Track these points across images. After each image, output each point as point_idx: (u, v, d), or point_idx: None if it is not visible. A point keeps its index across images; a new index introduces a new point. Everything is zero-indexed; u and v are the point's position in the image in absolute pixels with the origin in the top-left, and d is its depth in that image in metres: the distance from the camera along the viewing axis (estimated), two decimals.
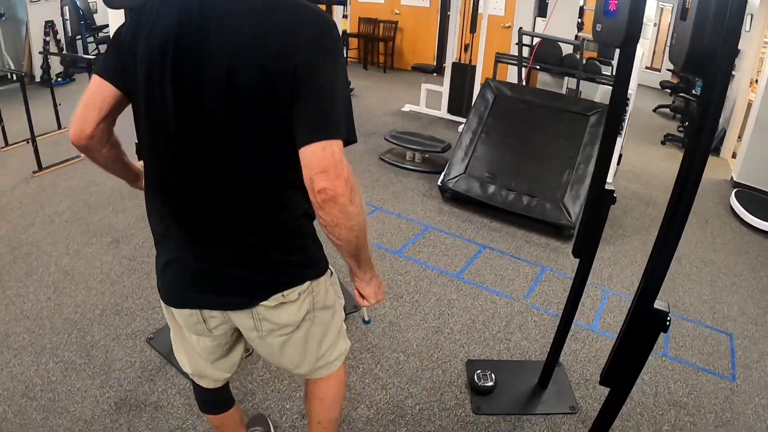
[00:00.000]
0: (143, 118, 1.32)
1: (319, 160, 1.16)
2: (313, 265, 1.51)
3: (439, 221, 4.42)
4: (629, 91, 5.16)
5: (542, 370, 2.76)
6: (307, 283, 1.49)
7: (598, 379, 1.68)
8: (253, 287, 1.44)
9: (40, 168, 4.75)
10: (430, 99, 7.25)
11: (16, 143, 5.28)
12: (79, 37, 8.92)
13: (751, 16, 6.93)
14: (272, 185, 1.33)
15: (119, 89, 1.32)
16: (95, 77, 1.33)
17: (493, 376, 2.72)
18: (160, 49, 1.22)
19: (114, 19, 3.91)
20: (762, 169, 5.67)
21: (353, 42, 10.72)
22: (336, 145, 1.17)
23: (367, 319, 1.93)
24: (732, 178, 5.99)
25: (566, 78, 6.90)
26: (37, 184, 4.50)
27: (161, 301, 1.59)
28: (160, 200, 1.42)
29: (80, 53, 8.91)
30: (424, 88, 7.23)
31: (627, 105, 5.22)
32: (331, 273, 1.61)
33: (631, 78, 4.65)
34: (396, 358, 2.87)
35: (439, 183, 4.70)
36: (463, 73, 6.91)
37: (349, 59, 10.71)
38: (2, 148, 5.26)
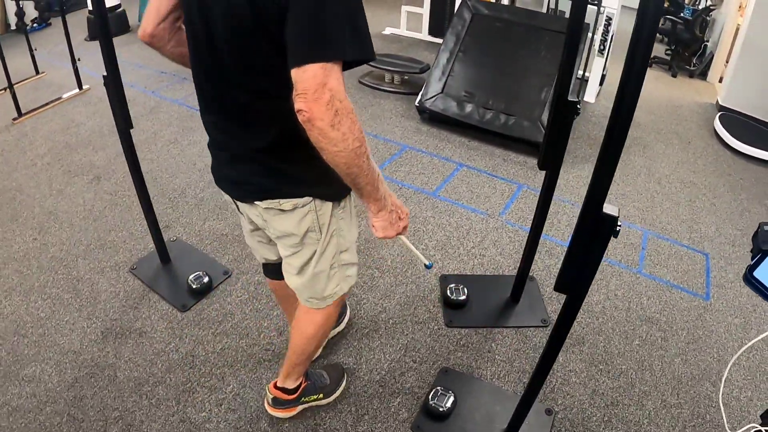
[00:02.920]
0: (185, 20, 1.47)
1: (299, 82, 1.17)
2: (319, 185, 1.54)
3: (417, 141, 4.45)
4: (612, 11, 5.10)
5: (514, 283, 2.84)
6: (308, 198, 1.55)
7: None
8: (254, 185, 1.57)
9: (20, 114, 4.74)
10: (410, 21, 7.12)
11: None
12: None
13: None
14: (277, 95, 1.33)
15: None
16: None
17: (465, 290, 2.82)
18: None
19: None
20: (747, 93, 5.61)
21: None
22: (321, 67, 1.15)
23: (427, 263, 1.96)
24: (717, 101, 5.95)
25: None
26: (18, 131, 4.51)
27: None
28: (200, 97, 1.57)
29: None
30: (404, 10, 7.09)
31: (610, 25, 5.15)
32: (344, 206, 1.66)
33: None
34: (371, 275, 2.98)
35: (416, 103, 4.70)
36: None
37: None
38: None
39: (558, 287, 1.60)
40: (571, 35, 2.16)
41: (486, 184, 3.88)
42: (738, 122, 5.34)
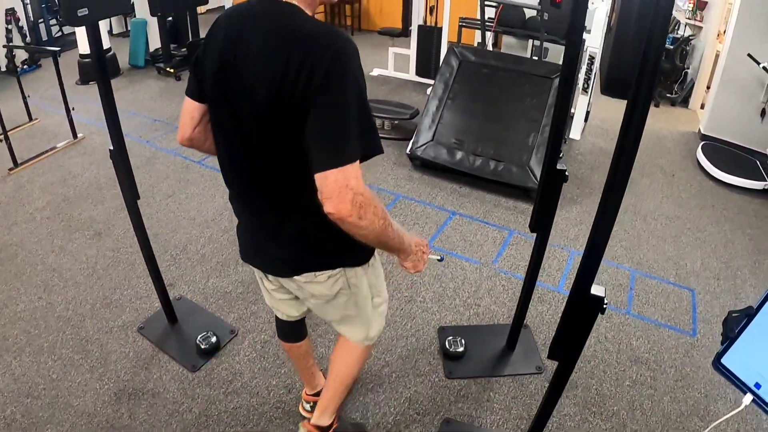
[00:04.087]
0: (213, 122, 1.65)
1: (323, 187, 1.33)
2: (350, 254, 1.73)
3: (409, 189, 4.58)
4: (594, 50, 5.30)
5: (509, 333, 2.97)
6: (340, 269, 1.74)
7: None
8: (291, 264, 1.73)
9: (16, 165, 4.80)
10: (398, 62, 7.30)
11: None
12: (41, 20, 8.82)
13: None
14: (300, 187, 1.47)
15: (201, 102, 1.66)
16: (186, 96, 1.68)
17: (463, 341, 2.94)
18: (213, 69, 1.50)
19: None
20: (728, 120, 5.82)
21: (319, 6, 10.60)
22: (339, 172, 1.31)
23: (438, 258, 2.13)
24: (699, 130, 6.15)
25: (531, 40, 6.95)
26: (15, 182, 4.57)
27: None
28: (230, 186, 1.74)
29: (44, 37, 8.83)
30: (391, 51, 7.27)
31: (593, 63, 5.34)
32: (372, 263, 1.85)
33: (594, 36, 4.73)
34: None
35: (407, 151, 4.84)
36: (429, 36, 6.94)
37: None
38: None
39: (551, 356, 1.75)
40: (560, 108, 2.31)
41: (478, 232, 4.01)
42: (720, 151, 5.52)
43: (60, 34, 9.05)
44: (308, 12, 1.45)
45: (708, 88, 6.74)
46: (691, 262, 3.86)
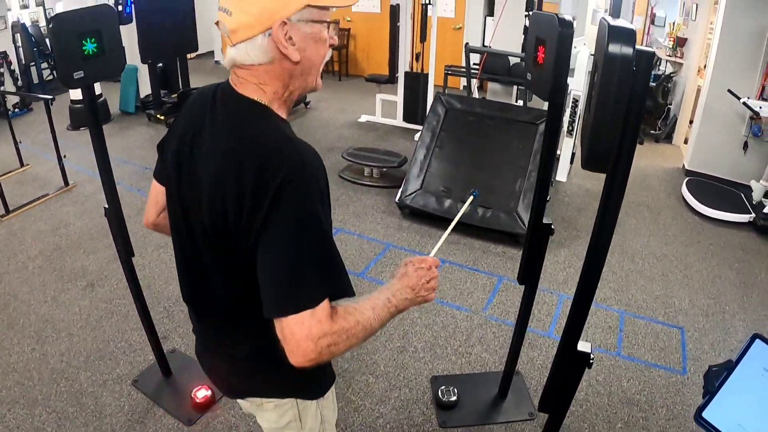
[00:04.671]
0: (168, 211, 1.45)
1: (280, 336, 1.15)
2: (303, 387, 1.51)
3: (399, 238, 4.65)
4: (578, 93, 5.45)
5: (501, 380, 3.02)
6: (289, 399, 1.50)
7: None
8: (236, 385, 1.56)
9: (8, 212, 4.83)
10: (385, 108, 7.46)
11: None
12: (33, 63, 8.92)
13: (696, 5, 7.22)
14: (251, 309, 1.24)
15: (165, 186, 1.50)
16: (153, 179, 1.56)
17: (455, 390, 2.97)
18: (171, 158, 1.37)
19: None
20: (712, 154, 6.00)
21: None
22: (295, 321, 1.12)
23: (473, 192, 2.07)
24: (684, 166, 6.32)
25: (515, 86, 7.11)
26: (6, 229, 4.60)
27: None
28: (180, 285, 1.52)
29: (35, 80, 8.93)
30: (378, 98, 7.42)
31: (576, 106, 5.49)
32: (327, 396, 1.59)
33: (577, 79, 4.85)
34: (365, 381, 3.11)
35: (396, 200, 4.92)
36: (416, 82, 7.11)
37: None
38: None
39: (542, 408, 1.82)
40: (544, 165, 2.40)
41: (468, 279, 4.07)
42: (705, 186, 5.67)
43: (51, 77, 9.18)
44: (282, 112, 1.29)
45: (691, 122, 6.93)
46: (680, 300, 3.94)
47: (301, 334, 1.12)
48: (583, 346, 1.63)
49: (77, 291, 3.80)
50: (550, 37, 1.95)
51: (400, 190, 4.94)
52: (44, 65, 9.16)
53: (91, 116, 2.44)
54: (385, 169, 5.60)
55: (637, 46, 1.33)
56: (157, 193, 1.53)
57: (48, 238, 4.47)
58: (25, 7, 9.55)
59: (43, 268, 4.05)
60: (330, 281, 1.18)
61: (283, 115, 1.29)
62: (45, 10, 9.79)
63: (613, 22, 1.39)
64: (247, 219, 1.16)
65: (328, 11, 1.24)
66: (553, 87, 1.99)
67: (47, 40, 9.54)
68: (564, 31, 1.89)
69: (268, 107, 1.25)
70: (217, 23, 1.24)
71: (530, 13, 8.95)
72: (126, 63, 2.65)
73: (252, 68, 1.23)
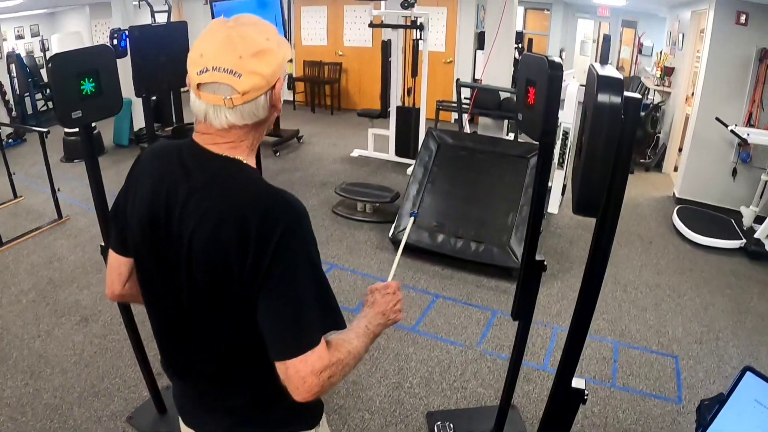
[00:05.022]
0: (140, 280, 1.42)
1: (284, 377, 1.20)
2: (296, 417, 1.49)
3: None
4: (567, 125, 5.54)
5: (497, 415, 3.02)
6: None
7: None
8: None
9: (1, 244, 4.83)
10: (377, 143, 7.54)
11: None
12: (27, 94, 8.99)
13: (682, 35, 7.42)
14: (245, 358, 1.33)
15: (128, 257, 1.45)
16: (110, 250, 1.49)
17: (451, 426, 2.98)
18: (140, 223, 1.31)
19: None
20: (701, 181, 6.12)
21: (299, 86, 10.98)
22: (301, 362, 1.18)
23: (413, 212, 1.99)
24: (674, 194, 6.42)
25: (506, 120, 7.21)
26: (0, 262, 4.59)
27: None
28: (161, 349, 1.50)
29: (29, 110, 8.99)
30: (371, 132, 7.51)
31: (567, 138, 5.58)
32: (321, 424, 1.56)
33: (568, 110, 4.90)
34: (361, 417, 3.10)
35: (389, 235, 4.96)
36: (407, 117, 7.22)
37: (296, 103, 10.97)
38: None
39: None
40: (536, 202, 2.44)
41: (462, 314, 4.09)
42: (695, 213, 5.76)
43: (45, 108, 9.23)
44: (251, 160, 1.30)
45: (680, 150, 7.06)
46: (673, 329, 3.98)
47: (305, 371, 1.18)
48: (577, 382, 1.66)
49: (71, 326, 3.78)
50: (540, 79, 2.00)
51: (394, 225, 4.98)
52: (38, 96, 9.22)
53: (89, 158, 2.47)
54: (378, 204, 5.65)
55: (626, 93, 1.39)
56: (120, 264, 1.48)
57: (41, 271, 4.46)
58: (20, 37, 9.66)
59: (37, 302, 4.04)
60: (327, 319, 1.25)
61: (253, 165, 1.31)
62: (41, 41, 9.91)
63: (602, 72, 1.45)
64: (251, 271, 1.18)
65: None
66: (543, 128, 2.04)
67: (42, 71, 9.65)
68: (554, 74, 1.94)
69: (245, 162, 1.28)
70: (198, 85, 1.20)
71: (519, 45, 9.18)
72: (122, 105, 2.68)
73: (234, 128, 1.23)
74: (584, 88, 1.66)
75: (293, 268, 1.19)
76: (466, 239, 4.69)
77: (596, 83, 1.40)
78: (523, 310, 2.62)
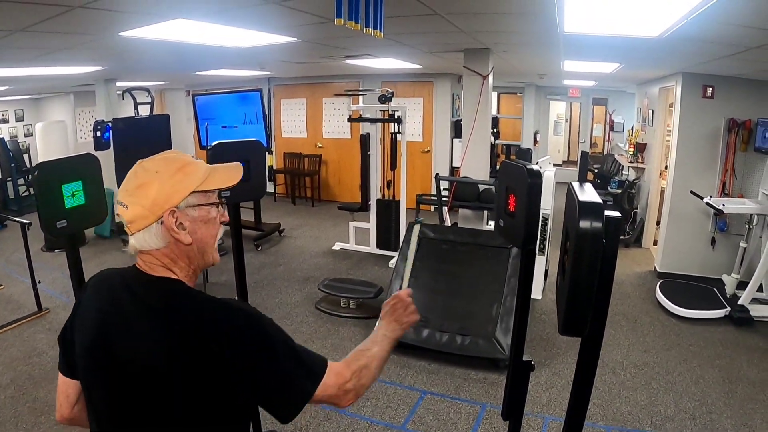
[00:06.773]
0: (87, 403, 1.44)
1: (328, 398, 1.40)
2: None
3: None
4: (546, 211, 5.68)
5: None
6: None
7: None
8: None
9: None
10: (358, 236, 7.62)
11: None
12: (10, 179, 8.99)
13: (652, 111, 7.71)
14: None
15: (75, 379, 1.48)
16: (59, 373, 1.53)
17: None
18: (86, 347, 1.37)
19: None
20: (681, 253, 6.25)
21: (280, 178, 11.18)
22: (321, 390, 1.37)
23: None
24: (655, 268, 6.53)
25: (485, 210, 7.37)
26: None
27: None
28: None
29: (11, 195, 8.97)
30: (351, 226, 7.61)
31: (546, 224, 5.71)
32: None
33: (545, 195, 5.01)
34: None
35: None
36: (388, 209, 7.33)
37: (276, 195, 11.14)
38: None
39: None
40: (520, 306, 2.51)
41: (451, 410, 4.06)
42: (678, 287, 5.82)
43: (27, 193, 9.22)
44: (191, 285, 1.40)
45: (658, 224, 7.21)
46: (665, 407, 3.95)
47: (330, 393, 1.39)
48: None
49: (50, 426, 3.66)
50: (520, 187, 2.08)
51: (378, 321, 4.95)
52: (21, 181, 9.23)
53: (71, 257, 2.47)
54: (361, 300, 5.66)
55: (606, 213, 1.46)
56: (67, 386, 1.52)
57: (20, 366, 4.37)
58: (4, 121, 9.76)
59: (16, 399, 3.93)
60: (312, 375, 1.39)
61: (191, 285, 1.41)
62: (25, 126, 10.01)
63: (582, 197, 1.53)
64: (232, 371, 1.29)
65: (213, 193, 1.40)
66: (524, 237, 2.11)
67: (25, 156, 9.70)
68: (533, 182, 2.02)
69: (185, 282, 1.39)
70: (117, 214, 1.37)
71: (495, 130, 9.45)
72: (108, 212, 2.71)
73: (153, 252, 1.36)
74: (565, 213, 1.74)
75: (270, 344, 1.34)
76: (451, 333, 4.71)
77: (577, 210, 1.46)
78: (513, 410, 2.65)
